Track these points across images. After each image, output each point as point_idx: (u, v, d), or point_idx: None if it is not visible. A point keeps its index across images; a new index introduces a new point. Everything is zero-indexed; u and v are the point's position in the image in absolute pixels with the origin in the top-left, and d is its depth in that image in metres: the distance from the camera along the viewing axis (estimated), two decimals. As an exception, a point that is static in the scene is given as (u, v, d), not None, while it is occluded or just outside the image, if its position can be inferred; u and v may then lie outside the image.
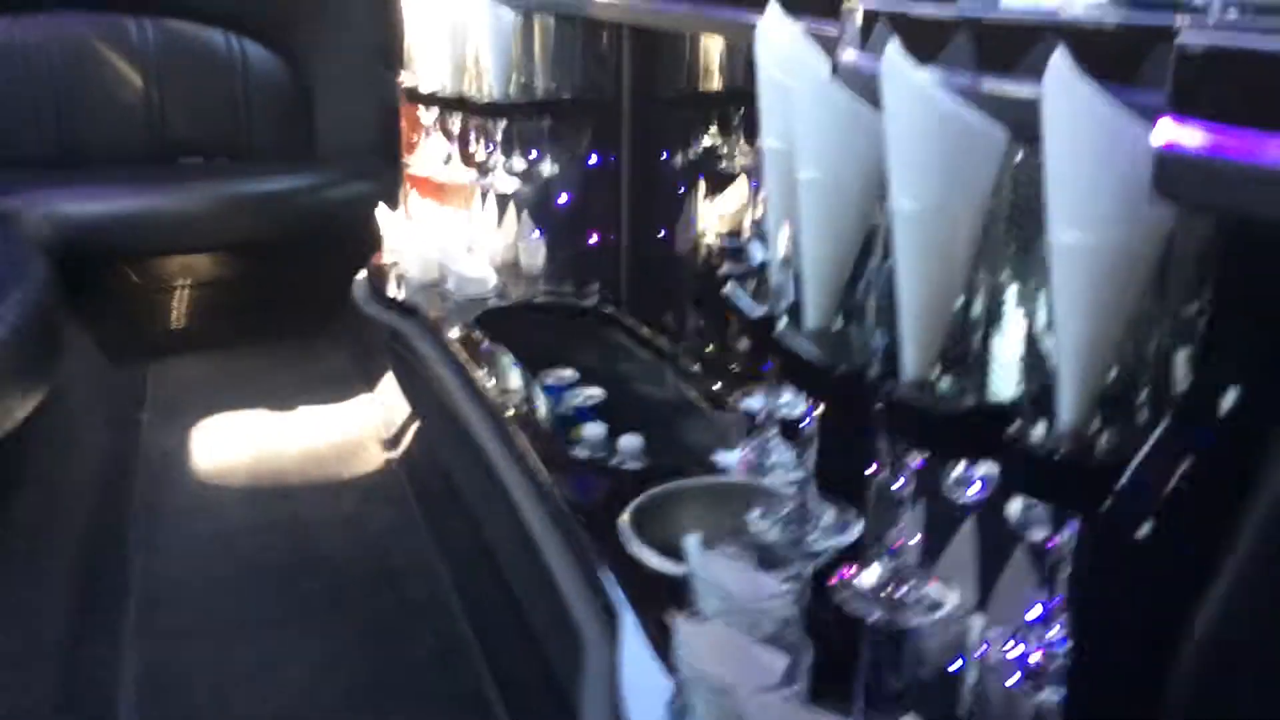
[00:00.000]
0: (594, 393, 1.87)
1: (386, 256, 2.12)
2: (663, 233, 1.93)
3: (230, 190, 2.83)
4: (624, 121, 1.85)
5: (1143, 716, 0.55)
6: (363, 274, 2.12)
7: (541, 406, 1.66)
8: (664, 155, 1.91)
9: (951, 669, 0.70)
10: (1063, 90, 0.53)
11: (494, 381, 1.74)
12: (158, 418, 2.53)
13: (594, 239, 1.99)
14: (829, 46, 0.75)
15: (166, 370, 2.71)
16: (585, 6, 1.64)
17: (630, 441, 1.70)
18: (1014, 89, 0.62)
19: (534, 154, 1.97)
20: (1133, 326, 0.56)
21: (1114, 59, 0.61)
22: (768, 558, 0.88)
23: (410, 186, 2.15)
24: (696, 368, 1.79)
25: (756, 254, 0.81)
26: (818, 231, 0.71)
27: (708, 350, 1.76)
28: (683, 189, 1.91)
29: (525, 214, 2.03)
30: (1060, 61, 0.53)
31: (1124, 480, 0.54)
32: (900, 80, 0.61)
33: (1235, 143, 0.45)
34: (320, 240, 2.70)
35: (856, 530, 0.76)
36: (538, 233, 2.02)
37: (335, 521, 2.17)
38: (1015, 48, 0.65)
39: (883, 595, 0.70)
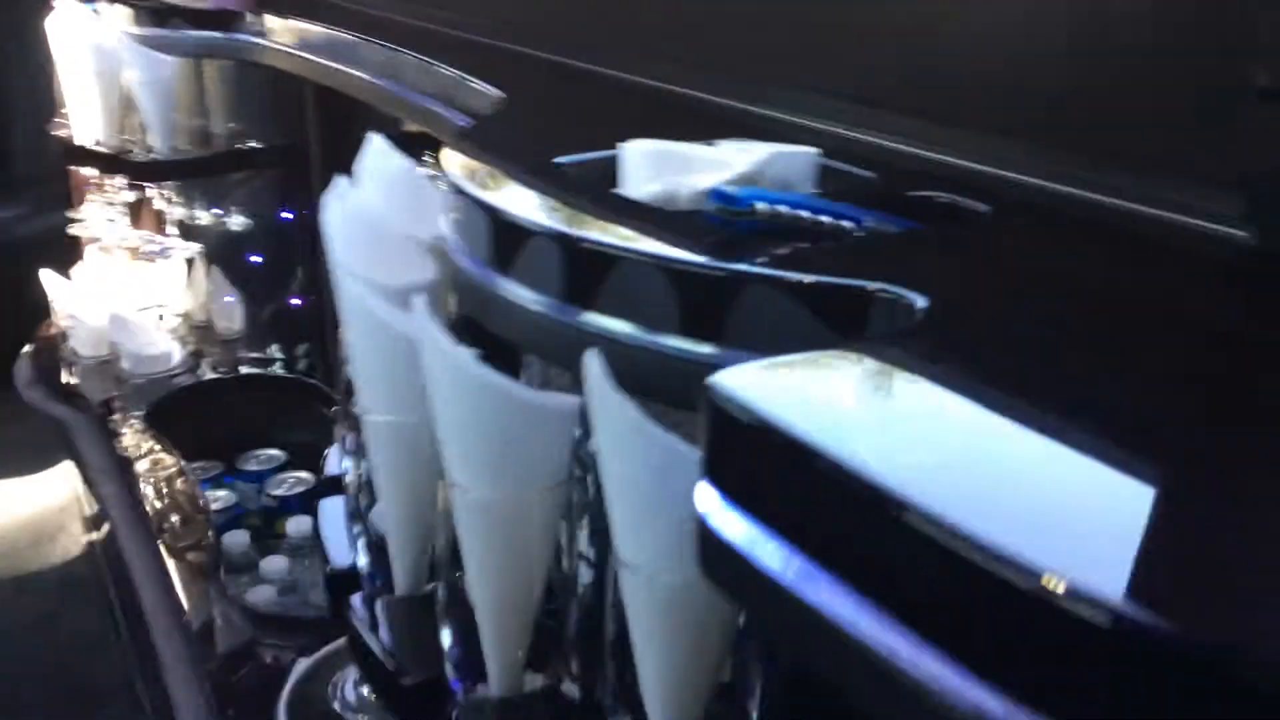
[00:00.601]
0: (303, 478, 1.68)
1: (55, 328, 1.85)
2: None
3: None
4: (315, 170, 1.65)
5: None
6: (26, 349, 1.85)
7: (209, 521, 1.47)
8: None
9: None
10: (606, 406, 0.41)
11: (173, 479, 1.53)
12: None
13: (296, 299, 1.79)
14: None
15: None
16: (257, 54, 1.44)
17: (338, 538, 1.53)
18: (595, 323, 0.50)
19: (218, 209, 1.75)
20: (722, 666, 0.45)
21: (706, 302, 0.49)
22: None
23: (82, 245, 1.88)
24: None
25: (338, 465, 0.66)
26: (393, 480, 0.57)
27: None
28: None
29: (216, 274, 1.81)
30: (595, 372, 0.40)
31: None
32: (438, 353, 0.47)
33: (773, 552, 0.33)
34: (13, 278, 2.37)
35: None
36: (231, 294, 1.80)
37: (22, 625, 1.90)
38: (601, 273, 0.52)
39: None
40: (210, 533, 1.52)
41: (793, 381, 0.36)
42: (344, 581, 0.63)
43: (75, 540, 2.11)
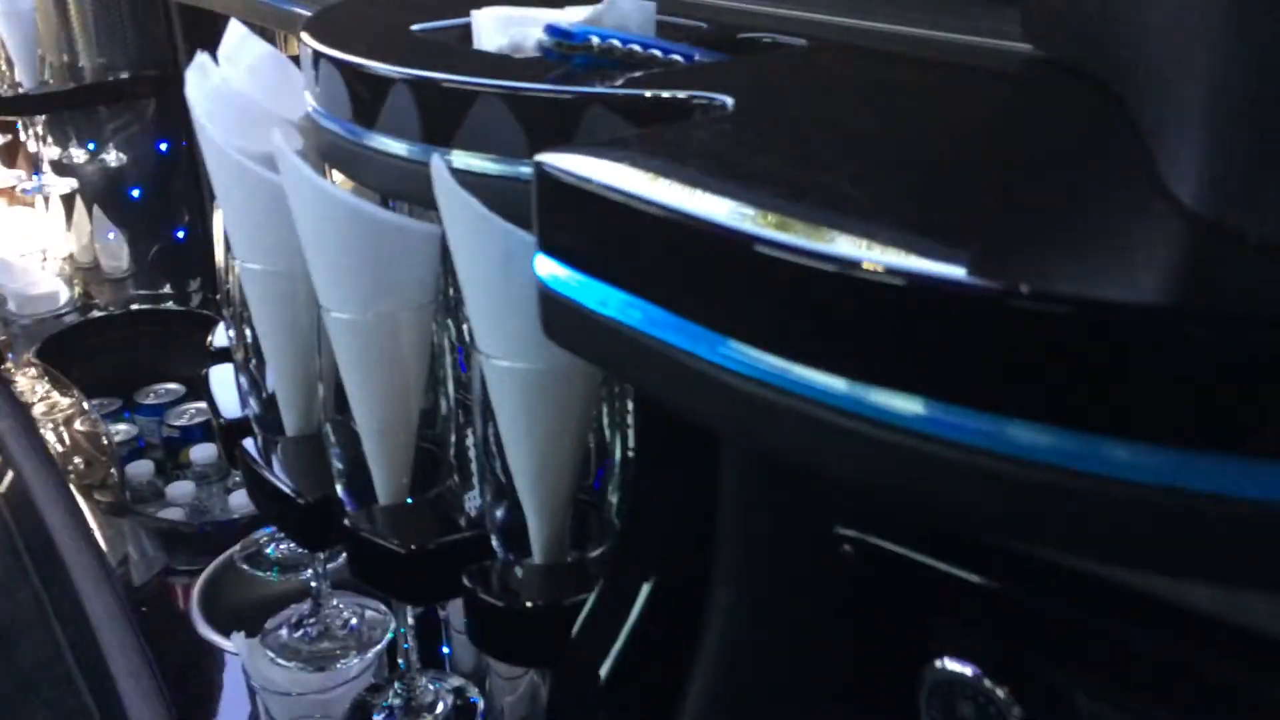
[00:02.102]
0: (203, 408, 1.69)
1: (-68, 277, 1.82)
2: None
3: None
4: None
5: None
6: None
7: (113, 447, 1.48)
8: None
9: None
10: (450, 203, 0.46)
11: (73, 420, 1.53)
12: None
13: (181, 233, 1.78)
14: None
15: None
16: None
17: (244, 461, 1.55)
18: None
19: (93, 144, 1.73)
20: (585, 446, 0.51)
21: (546, 127, 0.54)
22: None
23: (-45, 189, 1.84)
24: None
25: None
26: (271, 326, 0.61)
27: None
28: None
29: (96, 211, 1.79)
30: (441, 174, 0.45)
31: (579, 625, 0.49)
32: (296, 177, 0.51)
33: (603, 296, 0.39)
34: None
35: (386, 638, 0.69)
36: (114, 232, 1.79)
37: (-73, 580, 1.89)
38: (453, 112, 0.57)
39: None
40: (114, 470, 1.53)
41: (607, 156, 0.41)
42: (235, 431, 0.67)
43: (-25, 495, 2.09)
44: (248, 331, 0.63)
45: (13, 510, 1.96)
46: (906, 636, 0.40)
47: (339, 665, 0.69)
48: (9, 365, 1.68)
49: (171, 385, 1.73)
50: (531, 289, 0.46)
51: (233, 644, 0.83)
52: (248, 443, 0.63)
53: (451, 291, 0.57)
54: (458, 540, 0.55)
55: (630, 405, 0.53)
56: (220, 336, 0.75)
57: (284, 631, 0.69)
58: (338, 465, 0.57)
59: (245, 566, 0.76)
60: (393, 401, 0.55)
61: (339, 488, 0.57)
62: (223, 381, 0.71)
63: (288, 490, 0.59)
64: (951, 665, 0.38)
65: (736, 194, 0.37)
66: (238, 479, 1.57)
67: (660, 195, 0.37)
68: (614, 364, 0.41)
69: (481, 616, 0.51)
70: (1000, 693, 0.37)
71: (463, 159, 0.54)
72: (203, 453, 1.60)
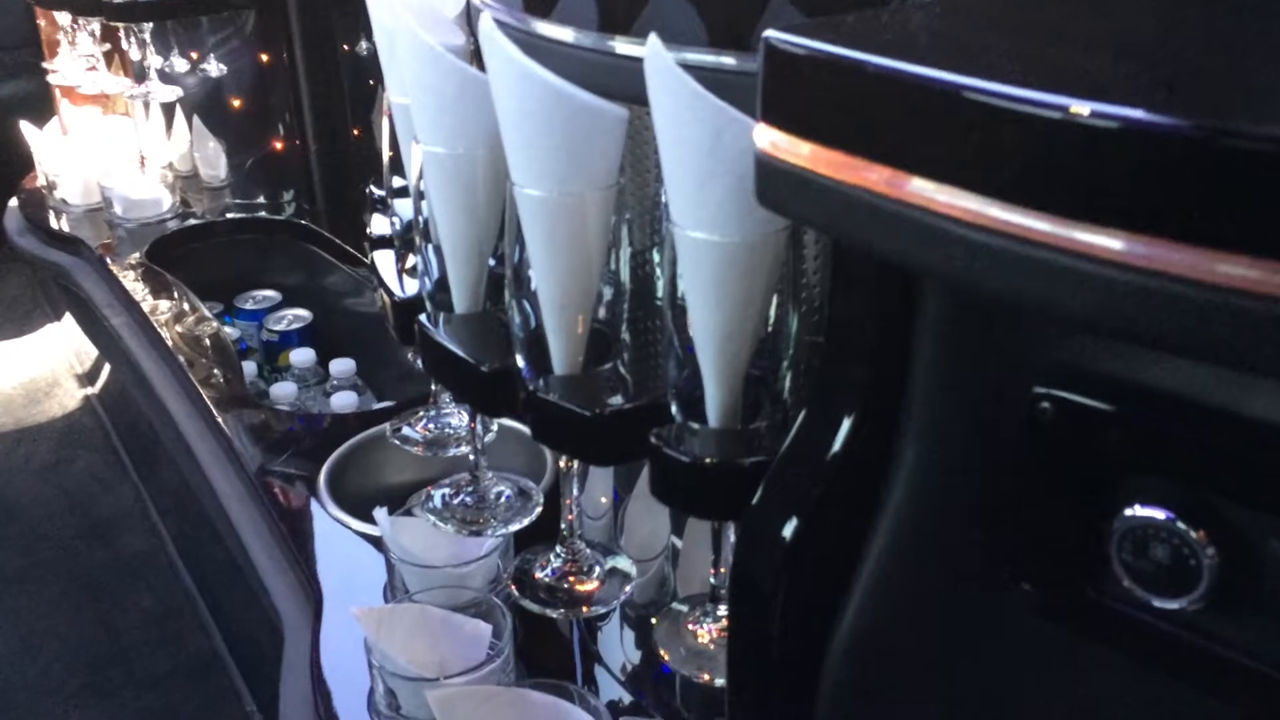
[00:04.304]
0: (300, 314, 1.75)
1: (40, 179, 1.87)
2: (355, 132, 1.79)
3: None
4: (292, 11, 1.67)
5: (799, 702, 0.55)
6: (14, 201, 1.87)
7: (230, 346, 1.53)
8: (344, 46, 1.75)
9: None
10: (663, 82, 0.48)
11: (174, 321, 1.59)
12: None
13: (278, 144, 1.82)
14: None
15: None
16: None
17: (342, 366, 1.61)
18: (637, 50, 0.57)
19: (195, 54, 1.76)
20: (765, 319, 0.54)
21: (736, 17, 0.57)
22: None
23: (60, 96, 1.89)
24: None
25: (403, 211, 0.74)
26: (450, 208, 0.65)
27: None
28: (373, 82, 1.77)
29: (196, 121, 1.83)
30: (657, 51, 0.48)
31: (765, 482, 0.52)
32: (503, 60, 0.54)
33: (828, 159, 0.41)
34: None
35: (536, 510, 0.73)
36: (213, 141, 1.83)
37: (31, 471, 1.98)
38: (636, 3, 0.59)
39: (564, 586, 0.67)
40: (216, 370, 1.58)
41: (831, 31, 0.43)
42: (406, 308, 0.71)
43: (71, 395, 2.18)
44: (421, 218, 0.67)
45: (109, 408, 2.04)
46: (1096, 489, 0.43)
47: (488, 533, 0.74)
48: (114, 267, 1.74)
49: (269, 291, 1.79)
50: (733, 165, 0.49)
51: (376, 519, 0.88)
52: (422, 318, 0.67)
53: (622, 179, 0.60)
54: (636, 407, 0.58)
55: (804, 284, 0.56)
56: (376, 225, 0.79)
57: (442, 496, 0.74)
58: (519, 337, 0.61)
59: (396, 441, 0.80)
60: (574, 277, 0.59)
61: (519, 359, 0.61)
62: (385, 265, 0.76)
63: (470, 361, 0.63)
64: (1145, 510, 0.41)
65: (963, 57, 0.39)
66: (335, 382, 1.63)
67: (894, 60, 0.39)
68: (833, 223, 0.43)
69: (666, 471, 0.55)
70: (1195, 535, 0.40)
71: (632, 47, 0.57)
72: (302, 356, 1.66)
